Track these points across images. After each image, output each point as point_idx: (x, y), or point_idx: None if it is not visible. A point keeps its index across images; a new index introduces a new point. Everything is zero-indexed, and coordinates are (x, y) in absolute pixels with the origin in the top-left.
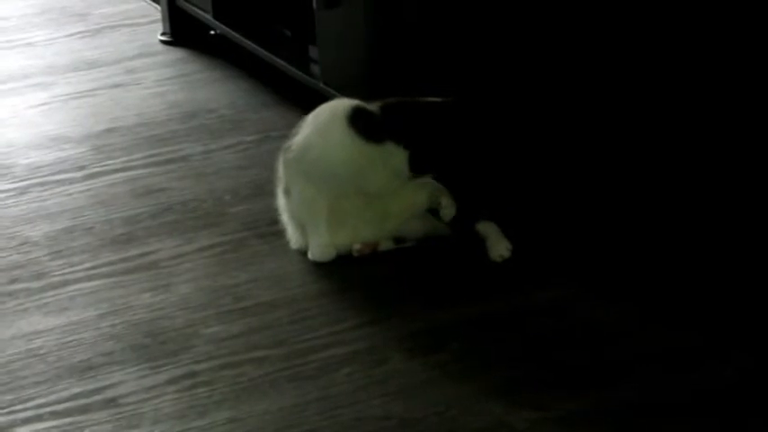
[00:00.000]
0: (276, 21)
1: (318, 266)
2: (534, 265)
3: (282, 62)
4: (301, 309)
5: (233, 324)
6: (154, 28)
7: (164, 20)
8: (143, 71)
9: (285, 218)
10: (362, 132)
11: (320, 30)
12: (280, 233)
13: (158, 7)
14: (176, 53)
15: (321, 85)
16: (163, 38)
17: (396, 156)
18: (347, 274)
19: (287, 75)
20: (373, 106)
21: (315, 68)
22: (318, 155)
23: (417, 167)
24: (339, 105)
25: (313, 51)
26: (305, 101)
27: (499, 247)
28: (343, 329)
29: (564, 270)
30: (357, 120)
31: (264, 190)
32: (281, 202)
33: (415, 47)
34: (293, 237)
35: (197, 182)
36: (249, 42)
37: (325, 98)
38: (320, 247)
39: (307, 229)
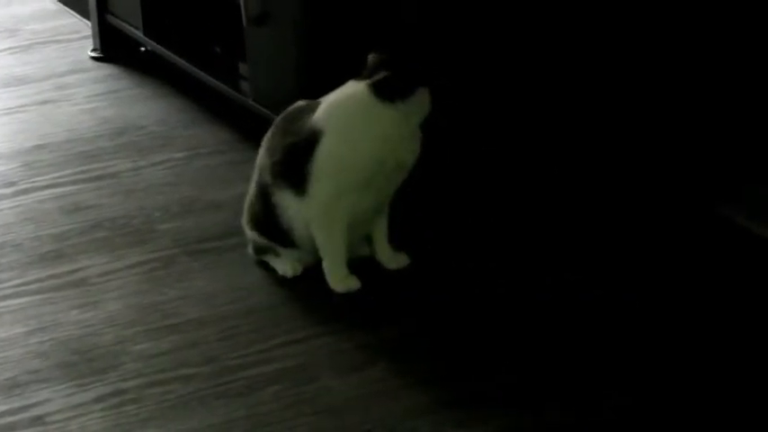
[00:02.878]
0: (207, 37)
1: (247, 284)
2: (458, 282)
3: (213, 79)
4: (230, 326)
5: (161, 341)
6: (84, 44)
7: (94, 36)
8: (73, 87)
9: (287, 224)
10: (394, 95)
11: (250, 47)
12: (210, 251)
13: (89, 23)
14: (107, 69)
15: (251, 102)
16: (93, 54)
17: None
18: (277, 292)
19: (217, 92)
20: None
21: (245, 85)
22: (352, 144)
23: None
24: (357, 87)
25: (243, 68)
26: (235, 118)
27: (398, 258)
28: (272, 347)
29: (490, 286)
30: (384, 89)
31: (194, 207)
32: (287, 205)
33: (347, 63)
34: (287, 258)
35: (126, 199)
36: (179, 59)
37: (255, 115)
38: (344, 279)
39: (323, 251)
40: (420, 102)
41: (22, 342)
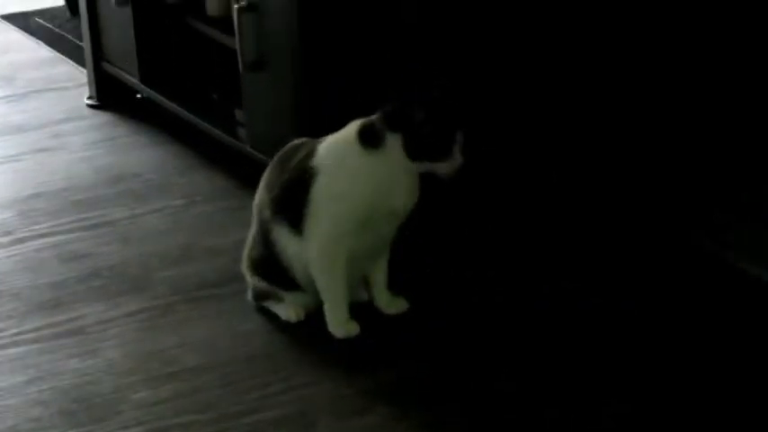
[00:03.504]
0: (203, 84)
1: (247, 330)
2: (455, 322)
3: (209, 125)
4: (230, 372)
5: (160, 389)
6: (80, 92)
7: (90, 84)
8: (70, 135)
9: (286, 263)
10: (370, 143)
11: (246, 92)
12: (208, 297)
13: (85, 71)
14: (103, 117)
15: (248, 148)
16: (89, 102)
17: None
18: (276, 338)
19: (214, 138)
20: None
21: (241, 132)
22: (343, 187)
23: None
24: (350, 129)
25: (239, 114)
26: (232, 164)
27: (397, 303)
28: (271, 393)
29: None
30: (364, 134)
31: (192, 254)
32: (285, 243)
33: (344, 108)
34: (290, 303)
35: (124, 246)
36: (176, 106)
37: (252, 162)
38: (345, 324)
39: (323, 294)
40: (395, 153)
41: (22, 391)
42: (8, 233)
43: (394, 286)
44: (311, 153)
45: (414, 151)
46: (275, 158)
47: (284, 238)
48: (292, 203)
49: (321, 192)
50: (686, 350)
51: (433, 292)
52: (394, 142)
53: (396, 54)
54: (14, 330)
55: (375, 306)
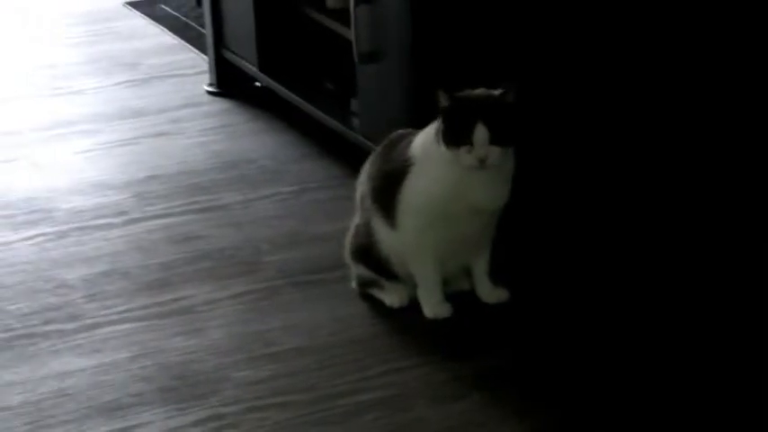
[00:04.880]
0: (319, 74)
1: (349, 315)
2: (554, 314)
3: (324, 114)
4: (330, 356)
5: (261, 369)
6: (201, 79)
7: (210, 71)
8: (187, 121)
9: (385, 253)
10: (452, 140)
11: (361, 83)
12: (314, 282)
13: (206, 58)
14: (221, 104)
15: (361, 138)
16: (209, 88)
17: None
18: (377, 324)
19: (328, 127)
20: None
21: (355, 121)
22: (427, 180)
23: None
24: (429, 130)
25: (354, 104)
26: (345, 153)
27: (497, 293)
28: (369, 376)
29: (586, 316)
30: (442, 131)
31: (300, 240)
32: (383, 233)
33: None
34: (391, 290)
35: (234, 230)
36: (292, 95)
37: (364, 151)
38: (435, 306)
39: (417, 279)
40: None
41: (126, 366)
42: (122, 213)
43: (497, 277)
44: (409, 145)
45: (441, 137)
46: (378, 149)
47: (382, 229)
48: (389, 194)
49: (412, 183)
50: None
51: (534, 283)
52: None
53: (501, 47)
54: (122, 308)
55: (477, 295)
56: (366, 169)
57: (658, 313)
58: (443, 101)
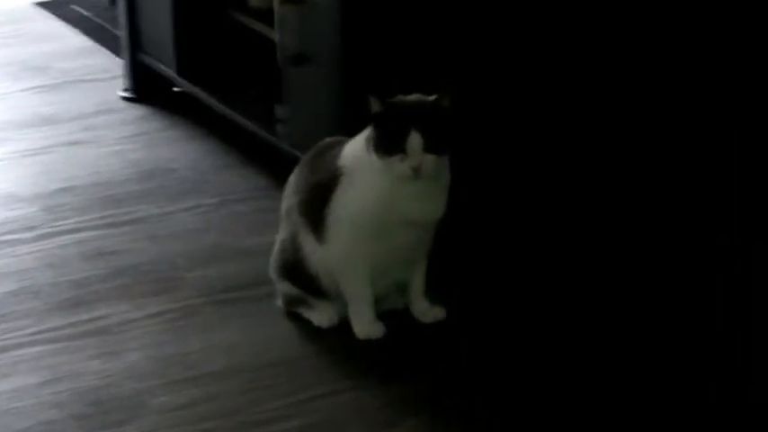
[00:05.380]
0: (243, 78)
1: (274, 336)
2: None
3: (247, 121)
4: (254, 379)
5: (181, 394)
6: (115, 84)
7: (126, 76)
8: (102, 129)
9: (313, 269)
10: (384, 149)
11: (286, 88)
12: (236, 300)
13: (121, 62)
14: (138, 110)
15: (287, 146)
16: (124, 94)
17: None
18: (304, 344)
19: (252, 135)
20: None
21: (281, 129)
22: (358, 191)
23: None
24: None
25: (279, 110)
26: (270, 163)
27: (434, 311)
28: (296, 402)
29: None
30: (374, 139)
31: (222, 255)
32: (311, 249)
33: None
34: (320, 309)
35: (151, 245)
36: (213, 100)
37: (290, 161)
38: (367, 326)
39: (347, 296)
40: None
41: (37, 392)
42: (31, 228)
43: (432, 294)
44: (338, 154)
45: (373, 145)
46: (305, 158)
47: (310, 244)
48: (317, 207)
49: (341, 195)
50: None
51: (471, 300)
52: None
53: (438, 49)
54: (32, 329)
55: (412, 314)
56: (292, 181)
57: (598, 329)
58: (375, 106)
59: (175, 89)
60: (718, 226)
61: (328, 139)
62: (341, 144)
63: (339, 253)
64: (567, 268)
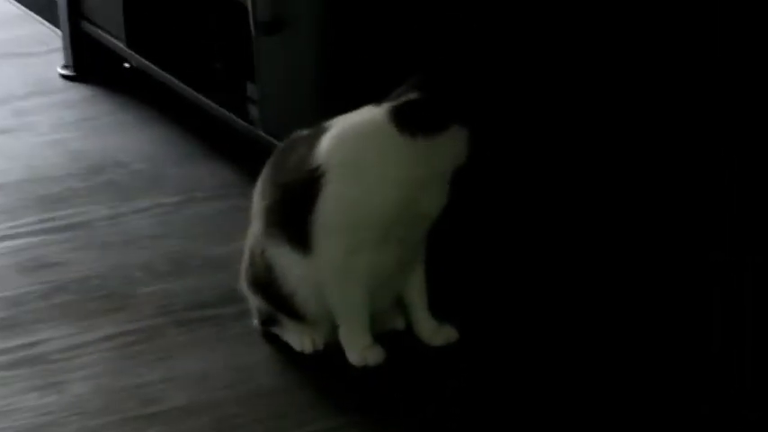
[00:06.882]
0: (206, 51)
1: (250, 363)
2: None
3: (212, 103)
4: (226, 415)
5: None
6: (53, 59)
7: (65, 49)
8: (36, 114)
9: (290, 288)
10: (420, 128)
11: (259, 62)
12: (204, 320)
13: (59, 33)
14: (80, 91)
15: (261, 132)
16: (64, 71)
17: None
18: (285, 373)
19: (218, 119)
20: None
21: (253, 111)
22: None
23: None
24: (374, 113)
25: (251, 89)
26: (240, 152)
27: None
28: None
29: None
30: (406, 117)
31: (186, 266)
32: (286, 264)
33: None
34: (299, 332)
35: (101, 254)
36: (171, 77)
37: (265, 148)
38: (364, 351)
39: (338, 317)
40: (452, 143)
41: None
42: None
43: (439, 312)
44: (313, 149)
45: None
46: (273, 156)
47: (284, 259)
48: (293, 215)
49: (333, 196)
50: None
51: (479, 316)
52: (456, 131)
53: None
54: None
55: (416, 336)
56: (259, 183)
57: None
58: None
59: (126, 65)
60: (710, 242)
61: (301, 132)
62: (315, 137)
63: (331, 266)
64: (561, 282)
